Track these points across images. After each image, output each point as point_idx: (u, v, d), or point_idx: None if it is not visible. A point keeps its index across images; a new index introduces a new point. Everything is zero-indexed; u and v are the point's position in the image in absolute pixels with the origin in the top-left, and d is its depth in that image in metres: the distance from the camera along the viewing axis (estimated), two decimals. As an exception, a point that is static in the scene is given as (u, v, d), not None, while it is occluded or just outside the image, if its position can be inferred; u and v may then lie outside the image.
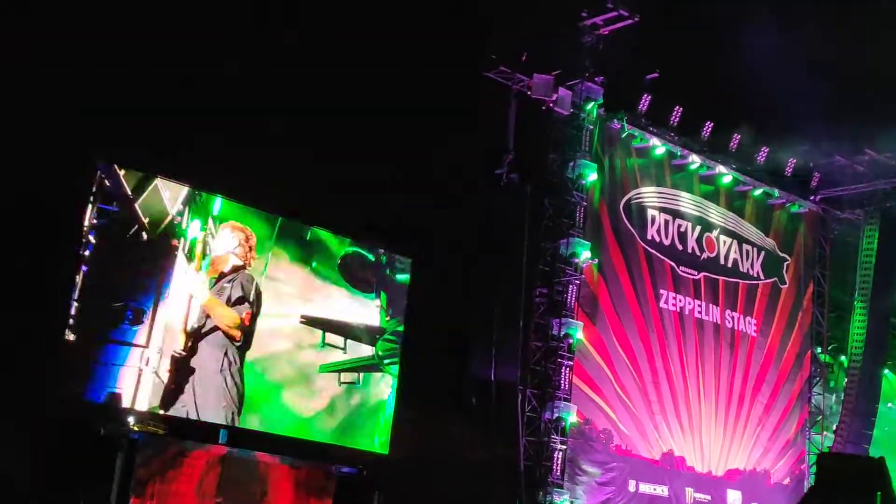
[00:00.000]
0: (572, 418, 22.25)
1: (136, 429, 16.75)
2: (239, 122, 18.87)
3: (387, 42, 20.73)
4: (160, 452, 16.76)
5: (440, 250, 21.43)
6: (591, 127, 23.40)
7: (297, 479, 18.23)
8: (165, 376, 17.27)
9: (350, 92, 20.50)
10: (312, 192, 19.61)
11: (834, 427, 27.07)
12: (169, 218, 17.50)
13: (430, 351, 21.15)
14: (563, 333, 22.27)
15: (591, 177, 23.18)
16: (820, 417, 27.52)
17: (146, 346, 17.11)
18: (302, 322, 19.27)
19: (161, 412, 17.19)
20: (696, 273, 25.62)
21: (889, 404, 29.66)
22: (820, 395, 27.70)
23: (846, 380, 27.44)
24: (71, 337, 16.46)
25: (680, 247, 25.39)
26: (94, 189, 16.71)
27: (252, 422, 18.38)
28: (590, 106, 23.16)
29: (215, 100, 18.64)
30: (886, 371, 29.14)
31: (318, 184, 19.66)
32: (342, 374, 19.81)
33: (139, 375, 17.02)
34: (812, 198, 28.01)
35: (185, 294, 17.66)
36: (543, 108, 22.70)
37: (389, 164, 20.56)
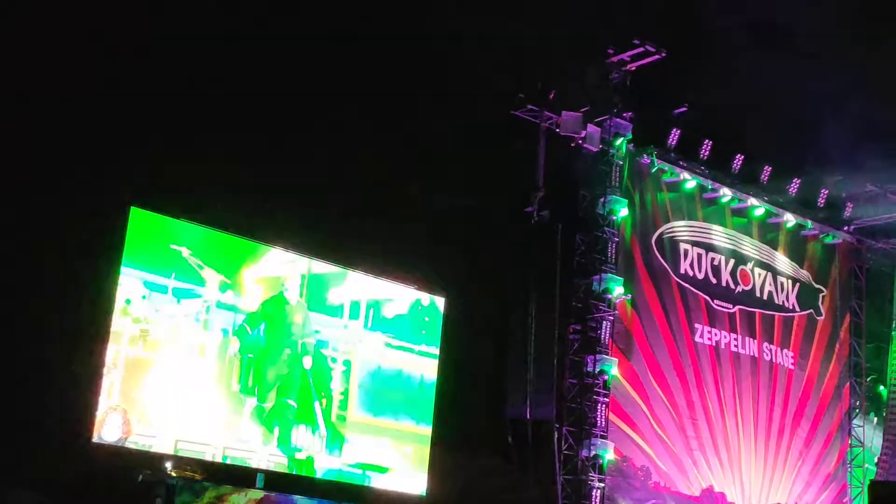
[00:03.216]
0: (609, 455, 22.07)
1: (173, 474, 16.78)
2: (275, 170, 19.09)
3: (417, 82, 20.91)
4: (198, 497, 16.77)
5: (473, 290, 21.43)
6: (621, 162, 23.40)
7: (334, 522, 18.19)
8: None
9: (382, 133, 20.66)
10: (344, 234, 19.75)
11: (876, 459, 26.73)
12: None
13: (465, 391, 21.10)
14: (597, 370, 22.16)
15: (622, 212, 23.16)
16: (861, 449, 27.18)
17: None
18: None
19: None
20: (731, 306, 25.46)
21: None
22: (860, 426, 27.37)
23: (886, 411, 27.12)
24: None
25: (714, 280, 25.26)
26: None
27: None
28: (619, 142, 23.18)
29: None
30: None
31: (350, 226, 19.80)
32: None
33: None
34: (846, 228, 27.83)
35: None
36: (573, 145, 22.75)
37: (419, 205, 20.66)
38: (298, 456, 18.58)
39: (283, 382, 18.57)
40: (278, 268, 18.85)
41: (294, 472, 18.50)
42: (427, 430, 20.25)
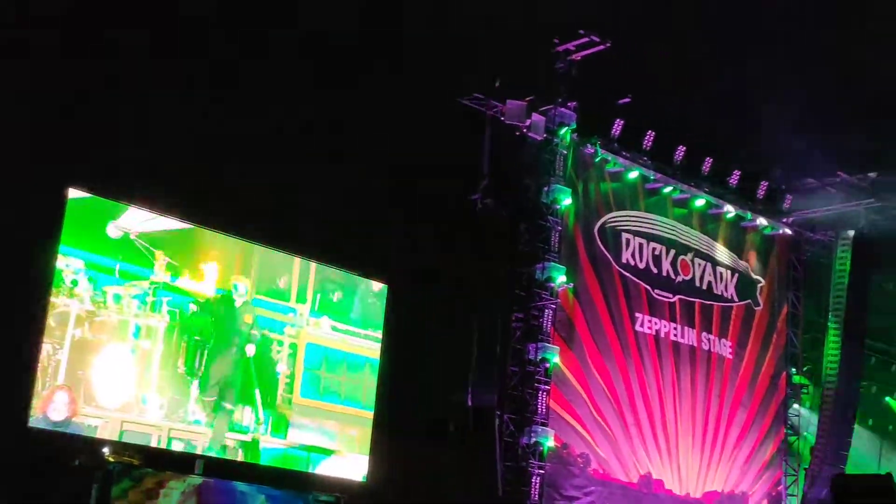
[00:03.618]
0: (550, 443, 22.25)
1: (111, 459, 16.63)
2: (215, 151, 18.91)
3: (362, 68, 20.86)
4: (136, 483, 16.62)
5: (417, 277, 21.46)
6: (565, 152, 23.53)
7: (274, 508, 18.14)
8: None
9: (326, 119, 20.59)
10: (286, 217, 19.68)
11: (810, 448, 27.19)
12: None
13: (408, 377, 21.14)
14: (539, 358, 22.30)
15: (566, 201, 23.29)
16: (796, 438, 27.63)
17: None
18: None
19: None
20: (671, 296, 25.73)
21: (870, 422, 29.86)
22: (796, 416, 27.82)
23: (821, 400, 27.57)
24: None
25: (655, 270, 25.51)
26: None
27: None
28: (563, 131, 23.30)
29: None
30: (887, 398, 29.39)
31: (291, 209, 19.73)
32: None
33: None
34: (784, 220, 28.22)
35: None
36: (517, 133, 22.83)
37: (362, 191, 20.64)
38: (243, 438, 18.52)
39: (230, 364, 18.53)
40: (226, 252, 18.78)
41: (239, 456, 18.44)
42: (370, 415, 20.33)
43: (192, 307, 18.08)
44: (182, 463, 17.61)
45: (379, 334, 20.72)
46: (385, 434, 20.17)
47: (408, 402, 21.01)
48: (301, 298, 19.69)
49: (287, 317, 19.45)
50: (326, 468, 19.70)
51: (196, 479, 17.46)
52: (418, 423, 21.13)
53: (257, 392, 18.84)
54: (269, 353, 19.14)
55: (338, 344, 20.18)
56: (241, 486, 17.95)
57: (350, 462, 19.97)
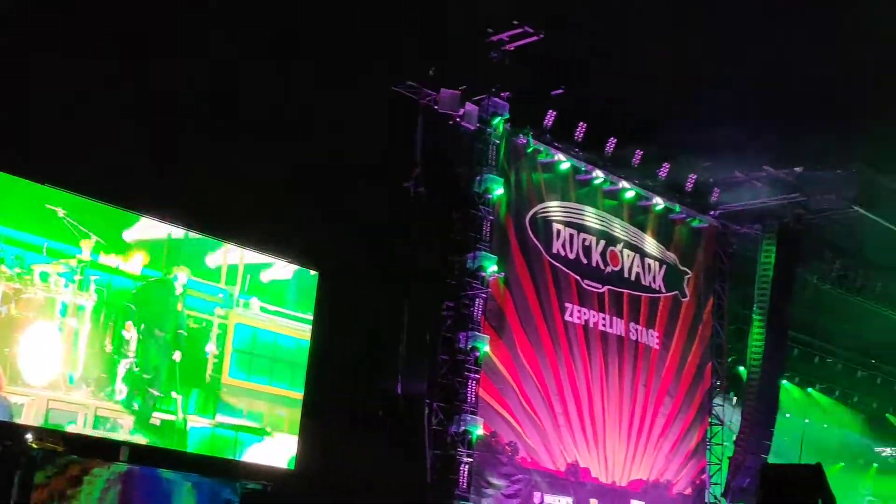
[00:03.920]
0: (479, 431, 22.35)
1: (34, 446, 16.37)
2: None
3: (297, 54, 20.72)
4: (60, 470, 16.40)
5: (349, 264, 21.40)
6: (498, 141, 23.61)
7: (200, 495, 17.98)
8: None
9: (259, 101, 20.43)
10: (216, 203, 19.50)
11: (734, 437, 27.66)
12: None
13: (338, 364, 21.10)
14: (469, 347, 22.37)
15: (498, 191, 23.38)
16: (720, 428, 28.08)
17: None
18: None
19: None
20: (600, 286, 25.97)
21: (787, 414, 30.47)
22: (720, 406, 28.27)
23: (745, 391, 28.05)
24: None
25: (585, 261, 25.71)
26: None
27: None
28: (496, 121, 23.37)
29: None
30: (784, 381, 29.97)
31: (223, 195, 19.55)
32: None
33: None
34: (712, 213, 28.61)
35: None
36: (451, 122, 22.85)
37: (298, 177, 20.52)
38: (170, 418, 18.37)
39: (158, 344, 18.34)
40: (156, 231, 18.59)
41: (166, 436, 18.28)
42: (299, 395, 20.30)
43: (121, 286, 17.87)
44: (107, 449, 17.40)
45: (309, 316, 20.69)
46: (314, 421, 20.14)
47: (337, 390, 20.98)
48: (231, 280, 19.58)
49: (216, 297, 19.35)
50: (255, 449, 19.63)
51: (121, 467, 17.27)
52: (347, 411, 21.10)
53: (185, 372, 18.68)
54: (198, 333, 19.01)
55: (267, 325, 20.15)
56: (166, 473, 17.80)
57: (278, 443, 19.94)
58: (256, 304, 19.91)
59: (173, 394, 18.49)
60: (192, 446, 18.73)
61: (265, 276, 20.15)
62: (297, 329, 20.51)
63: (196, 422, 18.78)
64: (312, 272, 20.82)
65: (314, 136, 20.88)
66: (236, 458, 19.37)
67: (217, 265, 19.38)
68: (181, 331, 18.68)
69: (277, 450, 19.95)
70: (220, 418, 19.14)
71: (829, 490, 4.30)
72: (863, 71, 24.13)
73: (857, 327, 32.14)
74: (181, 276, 18.64)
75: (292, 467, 19.93)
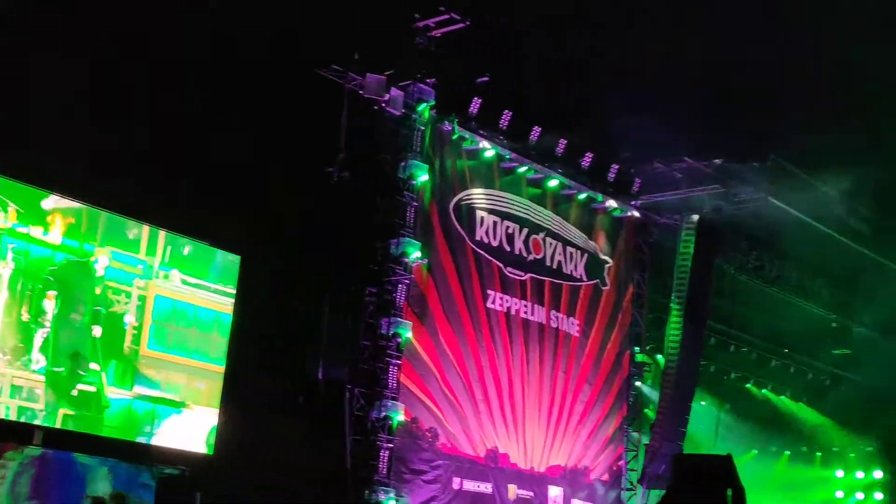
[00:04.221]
0: (400, 417, 22.40)
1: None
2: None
3: (219, 38, 20.48)
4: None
5: (272, 249, 21.24)
6: (423, 128, 23.62)
7: (117, 480, 17.75)
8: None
9: (182, 85, 20.18)
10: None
11: (651, 424, 28.08)
12: None
13: (259, 350, 20.95)
14: (392, 333, 22.40)
15: (423, 177, 23.41)
16: (638, 415, 28.48)
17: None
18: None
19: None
20: (523, 274, 26.14)
21: (703, 402, 31.02)
22: (638, 393, 28.66)
23: (662, 379, 28.49)
24: None
25: (508, 248, 25.86)
26: None
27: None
28: (422, 107, 23.37)
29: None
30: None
31: (139, 177, 19.31)
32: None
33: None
34: (633, 203, 28.94)
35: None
36: (376, 107, 22.78)
37: (217, 160, 20.31)
38: (88, 389, 18.03)
39: (76, 314, 18.01)
40: (76, 206, 18.19)
41: (87, 406, 17.97)
42: (219, 368, 20.06)
43: (39, 255, 17.45)
44: (21, 433, 17.07)
45: (232, 290, 20.36)
46: (233, 405, 19.96)
47: (258, 374, 20.83)
48: (151, 251, 19.21)
49: (136, 268, 18.98)
50: (173, 421, 19.37)
51: (35, 451, 16.96)
52: (267, 396, 20.96)
53: (105, 344, 18.36)
54: (118, 304, 18.68)
55: (188, 297, 19.83)
56: (82, 458, 17.51)
57: (197, 416, 19.71)
58: (177, 275, 19.61)
59: (93, 365, 18.14)
60: (111, 418, 18.39)
61: (187, 249, 19.85)
62: (219, 302, 20.21)
63: (115, 393, 18.42)
64: (234, 256, 20.57)
65: (238, 120, 20.65)
66: (153, 430, 19.03)
67: (136, 236, 19.02)
68: (99, 307, 18.32)
69: (196, 423, 19.69)
70: (138, 390, 18.79)
71: (739, 481, 4.42)
72: (781, 65, 24.64)
73: (772, 317, 32.84)
74: (102, 258, 18.31)
75: (211, 450, 19.72)
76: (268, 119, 20.97)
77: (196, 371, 19.88)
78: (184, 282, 19.73)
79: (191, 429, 19.67)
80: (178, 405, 19.49)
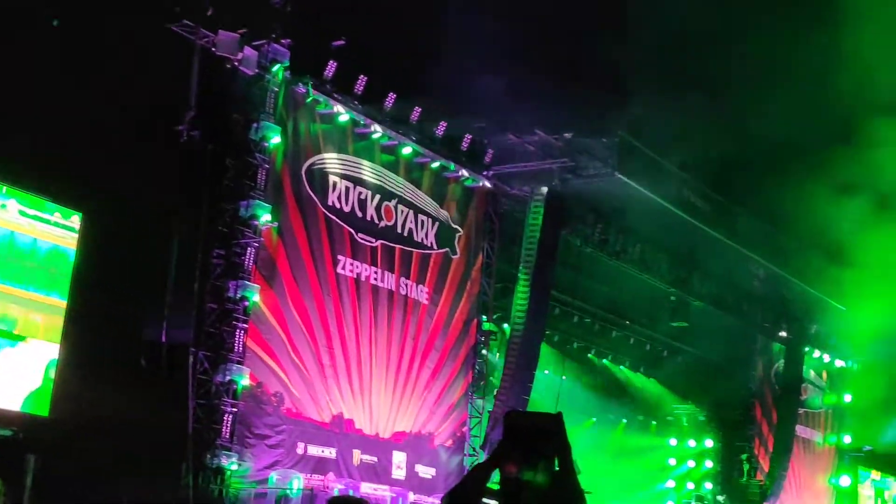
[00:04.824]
0: (245, 381, 22.18)
1: None
2: None
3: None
4: None
5: (115, 207, 20.64)
6: (277, 89, 23.30)
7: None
8: None
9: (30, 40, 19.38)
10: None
11: (495, 392, 28.54)
12: None
13: (101, 312, 20.38)
14: (239, 296, 22.12)
15: (275, 139, 23.11)
16: (482, 382, 28.91)
17: None
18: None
19: None
20: (373, 241, 26.14)
21: (546, 371, 31.70)
22: (484, 361, 29.09)
23: (508, 347, 28.96)
24: None
25: (360, 214, 25.80)
26: None
27: None
28: (276, 68, 23.04)
29: None
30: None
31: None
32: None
33: None
34: (485, 173, 29.21)
35: None
36: (228, 66, 22.34)
37: (62, 116, 19.59)
38: None
39: None
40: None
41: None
42: (59, 303, 19.50)
43: None
44: None
45: (75, 223, 19.73)
46: (72, 368, 19.41)
47: (99, 336, 20.28)
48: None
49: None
50: (7, 354, 18.78)
51: None
52: (109, 358, 20.45)
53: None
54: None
55: (26, 229, 19.15)
56: None
57: (34, 349, 19.16)
58: (14, 206, 18.88)
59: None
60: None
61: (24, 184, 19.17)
62: (60, 236, 19.55)
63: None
64: (76, 214, 19.92)
65: (87, 73, 19.95)
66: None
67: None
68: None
69: (34, 356, 19.13)
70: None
71: (566, 438, 4.56)
72: (628, 44, 25.19)
73: (614, 289, 33.73)
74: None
75: (46, 414, 19.14)
76: (116, 74, 20.31)
77: (32, 304, 19.28)
78: (21, 213, 19.03)
79: (27, 363, 19.01)
80: (13, 337, 18.82)
